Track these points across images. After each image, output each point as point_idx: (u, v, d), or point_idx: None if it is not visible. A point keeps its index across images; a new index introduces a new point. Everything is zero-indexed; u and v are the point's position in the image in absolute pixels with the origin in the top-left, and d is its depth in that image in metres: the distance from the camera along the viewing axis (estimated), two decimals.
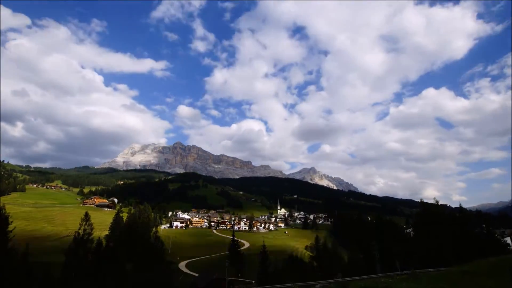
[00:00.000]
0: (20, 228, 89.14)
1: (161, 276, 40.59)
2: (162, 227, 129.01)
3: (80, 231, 36.74)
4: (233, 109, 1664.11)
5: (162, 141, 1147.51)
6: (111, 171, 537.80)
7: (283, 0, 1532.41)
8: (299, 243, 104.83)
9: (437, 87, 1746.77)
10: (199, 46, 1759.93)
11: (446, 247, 35.52)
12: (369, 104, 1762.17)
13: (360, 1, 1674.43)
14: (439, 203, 46.47)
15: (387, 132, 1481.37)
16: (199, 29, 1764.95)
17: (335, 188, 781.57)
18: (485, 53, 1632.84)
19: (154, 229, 60.87)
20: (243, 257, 61.74)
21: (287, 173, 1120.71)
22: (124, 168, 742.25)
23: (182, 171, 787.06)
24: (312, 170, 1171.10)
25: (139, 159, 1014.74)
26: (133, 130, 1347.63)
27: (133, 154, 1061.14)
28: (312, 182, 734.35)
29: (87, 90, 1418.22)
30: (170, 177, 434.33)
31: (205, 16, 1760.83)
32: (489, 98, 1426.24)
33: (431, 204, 47.19)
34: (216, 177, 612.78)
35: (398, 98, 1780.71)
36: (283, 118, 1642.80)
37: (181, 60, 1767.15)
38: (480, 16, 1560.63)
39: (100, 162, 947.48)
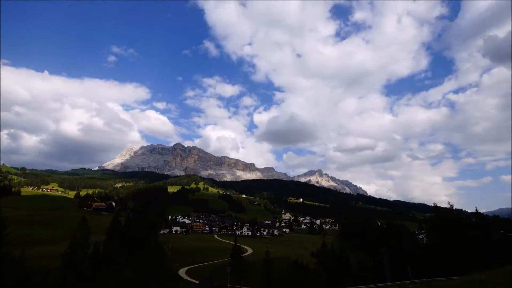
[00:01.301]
0: (15, 232, 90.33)
1: (160, 282, 40.81)
2: (162, 232, 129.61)
3: (77, 235, 37.13)
4: (198, 128, 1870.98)
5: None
6: (109, 174, 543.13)
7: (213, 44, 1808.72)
8: (305, 249, 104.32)
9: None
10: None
11: (462, 254, 35.05)
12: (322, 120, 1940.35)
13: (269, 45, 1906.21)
14: (454, 207, 45.95)
15: (350, 142, 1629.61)
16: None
17: (342, 191, 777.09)
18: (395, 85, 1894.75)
19: (153, 234, 61.14)
20: (245, 263, 61.69)
21: (291, 175, 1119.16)
22: (122, 170, 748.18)
23: (182, 173, 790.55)
24: (318, 173, 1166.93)
25: (138, 161, 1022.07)
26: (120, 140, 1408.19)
27: (131, 156, 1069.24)
28: (318, 185, 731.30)
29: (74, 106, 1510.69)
30: (169, 179, 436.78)
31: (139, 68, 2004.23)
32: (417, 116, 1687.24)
33: (445, 208, 46.68)
34: (218, 180, 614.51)
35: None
36: (247, 136, 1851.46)
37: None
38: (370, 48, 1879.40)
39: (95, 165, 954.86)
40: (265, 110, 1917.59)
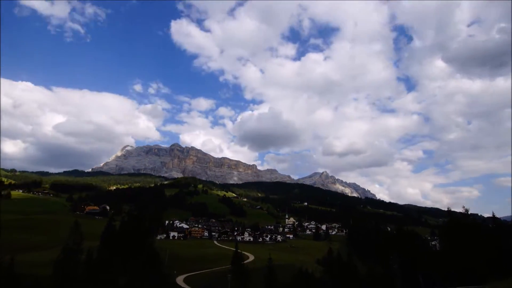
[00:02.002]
0: (6, 237, 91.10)
1: None
2: (158, 237, 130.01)
3: (69, 241, 37.40)
4: (179, 137, 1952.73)
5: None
6: (103, 175, 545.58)
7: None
8: (310, 256, 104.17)
9: None
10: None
11: (478, 262, 34.79)
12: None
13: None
14: (469, 212, 45.66)
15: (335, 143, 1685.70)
16: None
17: (350, 194, 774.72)
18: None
19: (149, 239, 61.35)
20: (247, 271, 61.68)
21: (296, 178, 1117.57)
22: (117, 172, 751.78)
23: (180, 175, 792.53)
24: (325, 175, 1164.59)
25: (133, 162, 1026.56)
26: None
27: (126, 157, 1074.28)
28: (324, 188, 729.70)
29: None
30: (166, 182, 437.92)
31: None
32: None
33: (460, 213, 46.45)
34: (218, 182, 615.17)
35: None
36: (230, 141, 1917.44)
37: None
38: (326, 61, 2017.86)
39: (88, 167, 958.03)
40: (238, 118, 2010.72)
